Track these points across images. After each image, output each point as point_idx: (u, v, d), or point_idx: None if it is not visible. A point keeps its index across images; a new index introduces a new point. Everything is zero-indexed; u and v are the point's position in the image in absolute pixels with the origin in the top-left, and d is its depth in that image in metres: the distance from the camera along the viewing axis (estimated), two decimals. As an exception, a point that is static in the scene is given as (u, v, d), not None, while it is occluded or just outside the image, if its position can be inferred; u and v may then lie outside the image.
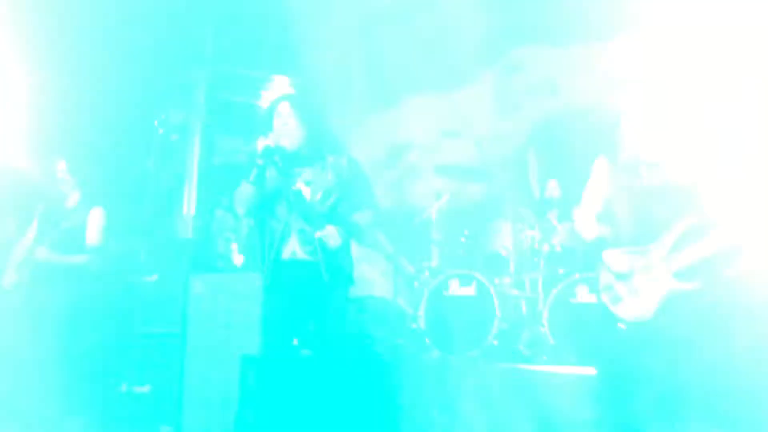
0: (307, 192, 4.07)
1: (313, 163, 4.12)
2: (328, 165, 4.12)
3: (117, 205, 5.55)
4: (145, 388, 5.61)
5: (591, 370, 4.13)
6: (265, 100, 7.61)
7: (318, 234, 4.01)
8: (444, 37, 7.78)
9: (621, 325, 3.65)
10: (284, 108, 4.13)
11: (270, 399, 5.13)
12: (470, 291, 5.25)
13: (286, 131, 4.08)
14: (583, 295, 4.98)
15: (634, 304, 3.64)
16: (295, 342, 4.67)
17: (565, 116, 7.27)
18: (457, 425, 4.72)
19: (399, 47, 7.85)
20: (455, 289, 5.29)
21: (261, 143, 4.02)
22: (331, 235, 4.02)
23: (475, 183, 6.70)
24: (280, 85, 7.71)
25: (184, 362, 5.70)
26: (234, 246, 6.72)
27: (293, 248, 4.06)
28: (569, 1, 7.12)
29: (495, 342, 5.15)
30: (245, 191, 4.09)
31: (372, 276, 6.69)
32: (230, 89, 7.43)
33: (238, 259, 6.43)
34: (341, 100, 6.32)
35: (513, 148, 7.41)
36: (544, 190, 6.32)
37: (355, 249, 4.27)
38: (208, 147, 7.16)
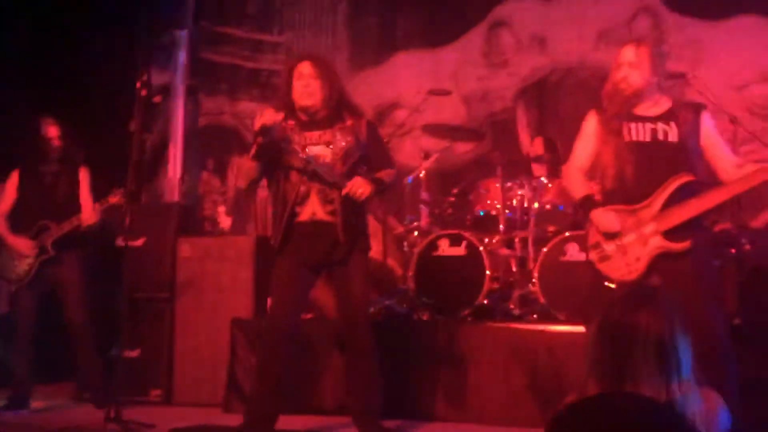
0: (327, 152, 3.98)
1: (332, 125, 4.03)
2: (348, 127, 4.04)
3: (101, 168, 5.48)
4: (135, 353, 5.60)
5: (581, 328, 4.14)
6: (250, 60, 7.52)
7: (343, 191, 3.91)
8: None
9: (609, 284, 3.64)
10: (306, 68, 4.03)
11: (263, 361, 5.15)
12: (460, 251, 5.22)
13: (309, 92, 3.99)
14: (574, 254, 4.96)
15: (622, 263, 3.62)
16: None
17: (553, 72, 7.20)
18: (448, 385, 4.73)
19: (383, 3, 7.75)
20: (445, 249, 5.26)
21: (258, 121, 3.90)
22: (357, 185, 3.92)
23: (464, 142, 6.64)
24: (266, 45, 7.60)
25: (173, 326, 5.70)
26: (221, 209, 6.68)
27: (313, 209, 3.97)
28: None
29: (485, 301, 5.14)
30: (246, 168, 4.06)
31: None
32: (214, 49, 7.33)
33: (225, 222, 6.39)
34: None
35: (502, 106, 7.35)
36: (531, 147, 6.27)
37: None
38: (192, 108, 7.08)
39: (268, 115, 3.91)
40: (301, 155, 3.94)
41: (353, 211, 4.00)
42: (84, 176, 5.30)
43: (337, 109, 4.07)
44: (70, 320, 5.14)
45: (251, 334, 5.20)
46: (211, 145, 7.31)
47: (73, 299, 5.15)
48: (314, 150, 3.98)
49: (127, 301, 4.96)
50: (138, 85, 4.40)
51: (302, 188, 3.96)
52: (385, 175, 4.12)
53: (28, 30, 6.68)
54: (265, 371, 4.03)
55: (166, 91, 6.82)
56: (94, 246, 5.31)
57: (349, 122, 4.06)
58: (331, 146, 3.98)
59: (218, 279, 5.65)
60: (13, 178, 5.34)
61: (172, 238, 5.83)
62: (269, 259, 5.87)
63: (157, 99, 4.47)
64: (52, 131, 5.29)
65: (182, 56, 6.95)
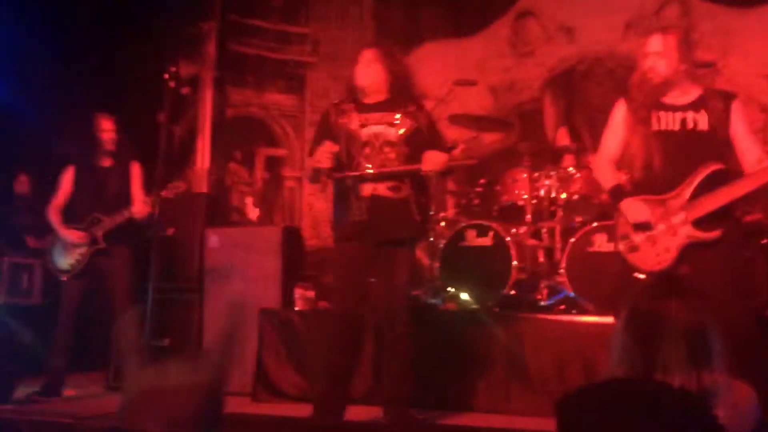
0: (391, 131, 4.04)
1: (394, 108, 4.09)
2: (411, 113, 4.09)
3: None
4: (165, 342, 5.65)
5: (609, 319, 4.12)
6: (277, 51, 7.54)
7: (424, 168, 3.94)
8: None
9: (638, 275, 3.62)
10: (369, 53, 4.14)
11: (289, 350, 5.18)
12: (487, 241, 5.21)
13: (367, 73, 4.10)
14: (602, 244, 4.93)
15: (652, 254, 3.60)
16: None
17: (581, 62, 7.16)
18: (475, 376, 4.73)
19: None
20: (472, 239, 5.26)
21: (310, 163, 4.10)
22: (432, 159, 3.95)
23: (491, 132, 6.62)
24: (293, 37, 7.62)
25: (202, 316, 5.74)
26: (248, 199, 6.72)
27: (374, 185, 3.99)
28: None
29: (512, 292, 5.13)
30: (311, 173, 4.17)
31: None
32: (241, 41, 7.36)
33: (253, 213, 6.43)
34: (353, 50, 6.22)
35: (529, 96, 7.32)
36: (555, 137, 6.24)
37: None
38: (219, 100, 7.12)
39: (322, 155, 3.97)
40: (368, 170, 3.99)
41: (422, 188, 4.07)
42: (136, 170, 5.35)
43: (401, 95, 4.13)
44: (116, 312, 5.21)
45: (279, 324, 5.23)
46: (239, 137, 7.34)
47: (122, 292, 5.21)
48: (376, 129, 4.04)
49: (155, 290, 5.01)
50: (166, 76, 4.44)
51: (363, 162, 4.01)
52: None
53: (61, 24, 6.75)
54: (334, 362, 4.02)
55: (195, 82, 6.86)
56: (144, 239, 5.36)
57: (411, 108, 4.10)
58: (394, 126, 4.04)
59: (246, 269, 5.67)
60: (69, 173, 5.41)
61: (201, 228, 5.87)
62: (297, 249, 5.96)
63: (185, 90, 4.49)
64: (107, 125, 5.35)
65: (210, 48, 6.99)
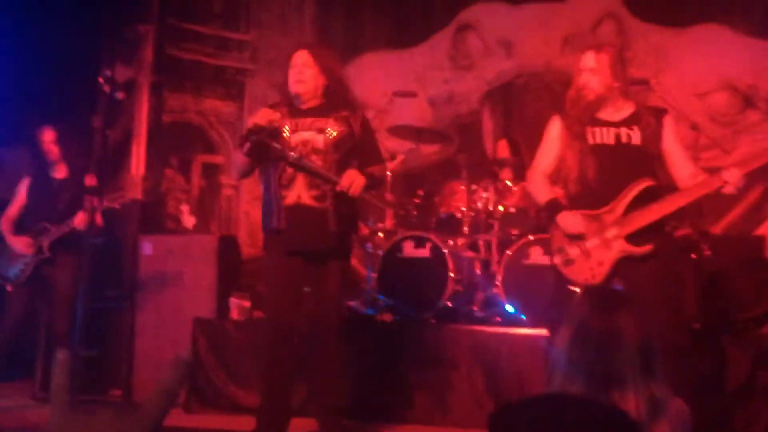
0: (319, 138, 3.91)
1: (327, 113, 3.97)
2: (343, 117, 3.98)
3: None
4: (95, 352, 5.52)
5: (544, 332, 4.16)
6: (216, 57, 7.46)
7: (338, 188, 3.81)
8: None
9: (573, 288, 3.67)
10: (301, 57, 4.00)
11: (223, 361, 5.11)
12: (424, 252, 5.23)
13: (300, 79, 3.96)
14: (537, 257, 4.99)
15: (586, 267, 3.65)
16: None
17: (519, 76, 7.24)
18: (410, 388, 4.72)
19: (350, 4, 7.74)
20: (409, 250, 5.27)
21: (250, 121, 3.90)
22: (349, 180, 3.82)
23: (429, 144, 6.65)
24: (232, 43, 7.55)
25: (134, 325, 5.63)
26: (184, 207, 6.62)
27: (298, 193, 3.89)
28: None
29: (449, 304, 5.16)
30: (240, 163, 4.03)
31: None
32: (180, 45, 7.26)
33: (188, 221, 6.33)
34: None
35: (467, 109, 7.38)
36: (495, 150, 6.30)
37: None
38: (156, 105, 7.01)
39: (262, 114, 3.89)
40: (292, 154, 3.86)
41: (345, 199, 3.91)
42: (89, 182, 5.23)
43: (334, 98, 4.02)
44: (51, 326, 5.10)
45: (213, 334, 5.16)
46: (176, 143, 7.23)
47: (60, 305, 5.11)
48: (305, 135, 3.92)
49: (87, 298, 4.89)
50: (101, 80, 4.34)
51: (289, 170, 3.90)
52: (377, 170, 4.08)
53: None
54: (274, 374, 3.94)
55: (130, 87, 6.74)
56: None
57: (344, 113, 3.99)
58: (323, 133, 3.93)
59: (180, 278, 5.59)
60: (24, 184, 5.39)
61: (134, 235, 5.77)
62: (233, 258, 5.89)
63: (120, 95, 4.39)
64: (48, 136, 5.33)
65: (147, 52, 6.87)
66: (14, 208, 5.35)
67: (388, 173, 5.54)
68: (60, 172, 5.35)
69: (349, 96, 4.14)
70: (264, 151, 3.90)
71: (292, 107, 4.03)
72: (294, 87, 3.97)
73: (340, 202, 3.89)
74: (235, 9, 7.60)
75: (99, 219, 5.05)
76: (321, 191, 3.87)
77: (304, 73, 3.97)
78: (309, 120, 3.96)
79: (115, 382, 5.55)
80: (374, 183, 4.06)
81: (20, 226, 5.30)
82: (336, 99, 4.03)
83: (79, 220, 5.04)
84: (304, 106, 4.02)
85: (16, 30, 6.53)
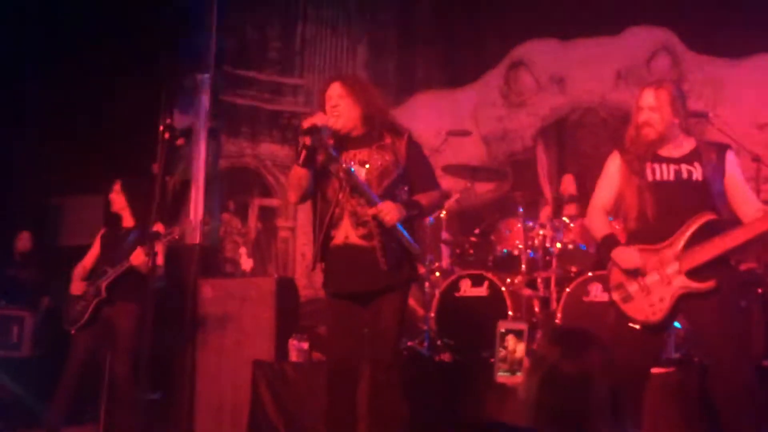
0: (361, 172, 3.74)
1: (369, 144, 3.82)
2: (387, 146, 3.82)
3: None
4: (157, 395, 5.58)
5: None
6: (271, 102, 7.58)
7: (371, 211, 3.65)
8: (449, 32, 7.75)
9: (633, 325, 3.60)
10: (335, 89, 3.84)
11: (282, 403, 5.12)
12: (482, 291, 5.20)
13: (338, 112, 3.79)
14: (597, 294, 4.92)
15: (646, 304, 3.58)
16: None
17: (573, 112, 7.22)
18: (470, 428, 4.66)
19: (402, 45, 7.83)
20: (466, 289, 5.24)
21: (306, 122, 3.68)
22: (386, 210, 3.64)
23: (485, 182, 6.64)
24: (286, 88, 7.68)
25: (195, 368, 5.69)
26: (242, 250, 6.69)
27: (346, 232, 3.75)
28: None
29: (508, 342, 5.09)
30: (296, 175, 3.78)
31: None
32: (236, 91, 7.40)
33: (246, 264, 6.40)
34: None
35: (521, 146, 7.37)
36: (558, 185, 6.25)
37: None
38: (214, 150, 7.14)
39: (318, 116, 3.73)
40: (344, 164, 3.73)
41: (391, 235, 3.71)
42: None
43: (375, 127, 3.84)
44: (113, 370, 5.14)
45: (273, 376, 5.18)
46: (233, 187, 7.35)
47: (121, 349, 5.14)
48: (348, 167, 3.75)
49: (149, 341, 4.95)
50: (161, 128, 4.44)
51: (336, 210, 3.76)
52: (426, 197, 3.85)
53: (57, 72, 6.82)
54: (336, 416, 3.83)
55: (189, 133, 6.88)
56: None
57: (387, 140, 3.82)
58: (366, 165, 3.77)
59: (240, 320, 5.64)
60: (99, 236, 5.46)
61: (194, 279, 5.84)
62: (291, 299, 5.92)
63: (180, 142, 4.48)
64: (114, 186, 5.40)
65: (204, 99, 7.02)
66: (89, 258, 5.41)
67: (445, 201, 5.37)
68: (128, 221, 5.41)
69: (390, 121, 3.95)
70: (315, 155, 3.74)
71: (336, 138, 3.85)
72: (330, 122, 3.75)
73: (387, 238, 3.72)
74: (290, 54, 7.74)
75: (160, 261, 5.09)
76: (368, 229, 3.72)
77: (339, 106, 3.80)
78: (351, 153, 3.80)
79: (176, 425, 5.59)
80: (419, 212, 3.87)
81: (93, 274, 5.34)
82: (377, 127, 3.85)
83: (136, 256, 5.06)
84: (344, 138, 3.84)
85: (79, 79, 6.74)
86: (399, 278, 3.84)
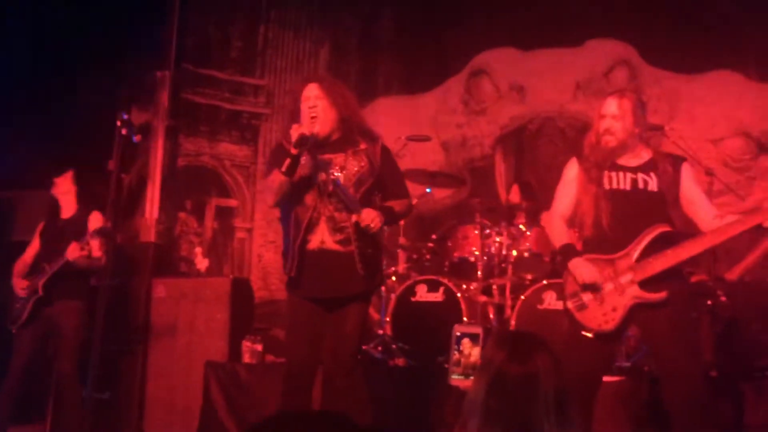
0: (339, 178, 3.71)
1: (344, 148, 3.79)
2: (362, 151, 3.80)
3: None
4: (106, 395, 5.50)
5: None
6: (231, 102, 7.53)
7: (355, 217, 3.65)
8: (411, 39, 7.77)
9: (586, 333, 3.63)
10: (313, 90, 3.80)
11: (234, 405, 5.08)
12: (438, 297, 5.22)
13: (315, 113, 3.74)
14: (551, 302, 4.97)
15: (599, 313, 3.62)
16: None
17: (532, 121, 7.28)
18: (424, 430, 4.67)
19: (364, 49, 7.83)
20: (422, 294, 5.26)
21: (296, 131, 3.65)
22: (370, 217, 3.65)
23: (443, 188, 6.67)
24: (247, 88, 7.63)
25: (146, 368, 5.62)
26: (198, 250, 6.63)
27: (322, 237, 3.72)
28: (537, 6, 7.15)
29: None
30: (278, 182, 3.72)
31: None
32: (196, 90, 7.33)
33: (202, 264, 6.34)
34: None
35: (480, 153, 7.41)
36: (508, 195, 6.30)
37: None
38: (172, 148, 7.07)
39: (306, 126, 3.69)
40: (331, 173, 3.70)
41: (369, 241, 3.75)
42: (93, 220, 5.19)
43: (350, 131, 3.82)
44: (57, 369, 5.05)
45: (225, 378, 5.14)
46: (190, 186, 7.28)
47: (65, 347, 5.04)
48: (326, 173, 3.73)
49: (99, 341, 4.88)
50: (118, 123, 4.39)
51: (314, 214, 3.72)
52: (398, 204, 3.89)
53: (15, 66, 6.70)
54: None
55: (146, 130, 6.81)
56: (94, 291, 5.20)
57: (363, 146, 3.81)
58: (343, 171, 3.75)
59: (193, 320, 5.59)
60: (38, 229, 5.35)
61: (147, 278, 5.78)
62: (246, 301, 5.88)
63: (137, 138, 4.42)
64: (65, 179, 5.30)
65: (163, 97, 6.95)
66: (29, 253, 5.30)
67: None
68: (66, 212, 5.30)
69: (365, 127, 3.94)
70: (299, 163, 3.68)
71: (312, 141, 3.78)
72: (308, 126, 3.71)
73: (364, 243, 3.73)
74: (251, 55, 7.69)
75: (99, 255, 5.00)
76: (345, 235, 3.71)
77: (317, 107, 3.75)
78: (327, 158, 3.77)
79: (126, 425, 5.52)
80: (393, 218, 3.91)
81: (33, 270, 5.24)
82: (352, 131, 3.84)
83: (71, 252, 4.95)
84: (320, 142, 3.78)
85: (38, 74, 6.64)
86: (372, 285, 3.89)
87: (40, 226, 5.37)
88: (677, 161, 3.76)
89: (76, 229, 5.14)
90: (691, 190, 3.70)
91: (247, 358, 5.35)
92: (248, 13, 7.73)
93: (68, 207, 5.30)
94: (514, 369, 1.98)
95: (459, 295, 5.14)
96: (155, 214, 6.80)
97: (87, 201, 5.28)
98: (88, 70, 6.57)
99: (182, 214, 7.19)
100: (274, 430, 1.70)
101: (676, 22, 6.77)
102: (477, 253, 5.46)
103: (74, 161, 5.49)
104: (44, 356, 5.29)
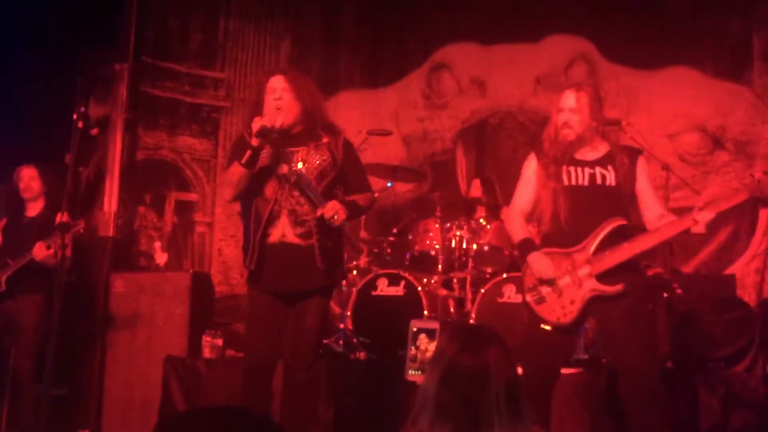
0: (301, 170, 3.69)
1: (306, 142, 3.77)
2: (324, 145, 3.79)
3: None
4: (63, 390, 5.44)
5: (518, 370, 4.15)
6: (191, 95, 7.47)
7: (319, 211, 3.64)
8: (373, 33, 7.77)
9: (544, 326, 3.68)
10: (278, 82, 3.78)
11: (194, 400, 5.05)
12: (398, 290, 5.24)
13: (280, 105, 3.72)
14: (511, 295, 5.01)
15: (557, 306, 3.66)
16: None
17: (492, 115, 7.32)
18: (384, 426, 4.69)
19: (326, 43, 7.81)
20: (383, 288, 5.27)
21: (257, 123, 3.62)
22: (333, 209, 3.63)
23: (404, 182, 6.68)
24: (207, 81, 7.57)
25: (104, 363, 5.57)
26: (157, 244, 6.58)
27: (283, 231, 3.71)
28: (498, 1, 7.19)
29: (423, 341, 5.14)
30: (237, 174, 3.70)
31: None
32: (155, 83, 7.26)
33: (161, 258, 6.29)
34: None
35: (441, 147, 7.44)
36: (469, 189, 6.34)
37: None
38: (130, 142, 6.99)
39: (270, 118, 3.67)
40: (293, 165, 3.68)
41: (330, 235, 3.75)
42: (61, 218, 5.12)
43: (313, 125, 3.81)
44: (16, 364, 4.98)
45: (184, 373, 5.11)
46: (149, 180, 7.20)
47: (24, 343, 4.98)
48: (287, 166, 3.72)
49: (56, 336, 4.82)
50: (75, 116, 4.33)
51: (275, 207, 3.71)
52: (361, 198, 3.90)
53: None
54: None
55: (104, 124, 6.72)
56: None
57: (325, 139, 3.81)
58: (305, 164, 3.73)
59: (152, 315, 5.55)
60: (0, 226, 5.26)
61: (106, 273, 5.72)
62: (206, 295, 5.85)
63: (94, 132, 4.37)
64: (27, 173, 5.22)
65: (122, 89, 6.87)
66: None
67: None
68: (32, 210, 5.25)
69: (328, 121, 3.93)
70: (259, 156, 3.67)
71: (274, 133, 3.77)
72: (273, 118, 3.68)
73: (325, 237, 3.73)
74: (211, 48, 7.62)
75: (46, 252, 4.94)
76: (306, 228, 3.71)
77: (282, 99, 3.74)
78: (289, 150, 3.76)
79: (83, 422, 5.46)
80: (357, 212, 3.92)
81: None
82: (315, 125, 3.82)
83: (37, 250, 4.90)
84: (283, 134, 3.76)
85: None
86: (333, 279, 3.89)
87: (3, 223, 5.28)
88: (634, 154, 3.80)
89: (42, 227, 5.08)
90: (642, 185, 3.75)
91: (207, 353, 5.32)
92: (208, 5, 7.66)
93: (33, 204, 5.24)
94: (466, 361, 1.98)
95: (420, 288, 5.16)
96: (114, 207, 6.73)
97: (54, 200, 5.20)
98: (44, 63, 6.47)
99: (141, 208, 7.12)
100: (182, 427, 1.69)
101: (634, 18, 6.85)
102: (438, 246, 5.49)
103: (32, 155, 5.41)
104: (1, 351, 5.21)
